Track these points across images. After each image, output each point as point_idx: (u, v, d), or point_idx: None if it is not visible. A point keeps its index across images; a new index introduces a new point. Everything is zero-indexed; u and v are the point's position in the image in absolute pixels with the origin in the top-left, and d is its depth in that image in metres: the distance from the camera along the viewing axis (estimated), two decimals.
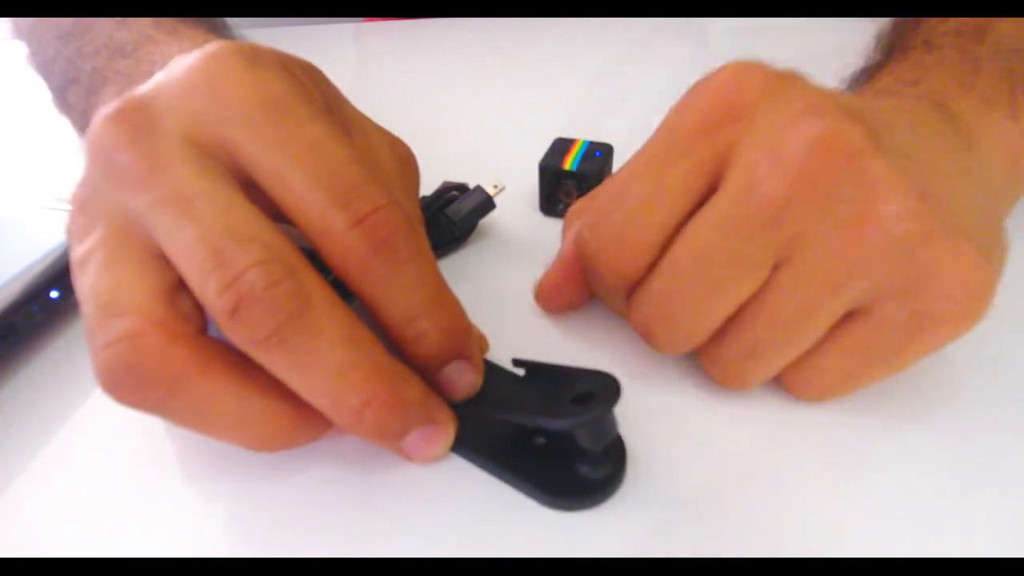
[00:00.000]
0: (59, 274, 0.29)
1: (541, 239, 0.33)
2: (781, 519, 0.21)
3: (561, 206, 0.34)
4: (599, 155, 0.33)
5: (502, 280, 0.31)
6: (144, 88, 0.22)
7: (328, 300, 0.20)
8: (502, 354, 0.25)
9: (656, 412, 0.25)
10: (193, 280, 0.20)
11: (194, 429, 0.21)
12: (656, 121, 0.24)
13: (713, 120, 0.22)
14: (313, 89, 0.23)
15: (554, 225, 0.31)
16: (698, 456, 0.23)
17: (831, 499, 0.22)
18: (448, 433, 0.23)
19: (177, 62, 0.23)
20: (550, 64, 0.50)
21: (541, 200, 0.34)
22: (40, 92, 0.39)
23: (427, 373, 0.23)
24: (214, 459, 0.24)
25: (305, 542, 0.22)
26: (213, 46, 0.22)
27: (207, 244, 0.19)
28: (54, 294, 0.29)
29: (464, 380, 0.23)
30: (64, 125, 0.38)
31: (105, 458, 0.25)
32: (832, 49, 0.32)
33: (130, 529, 0.22)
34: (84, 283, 0.21)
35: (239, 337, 0.19)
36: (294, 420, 0.21)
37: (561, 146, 0.34)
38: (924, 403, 0.25)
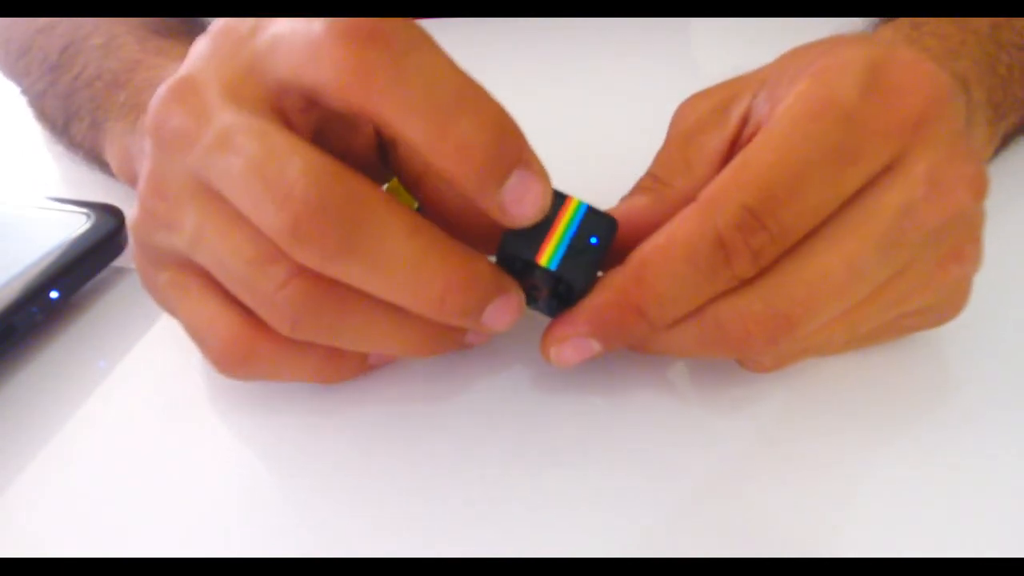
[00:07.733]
0: (59, 274, 0.29)
1: None
2: (781, 519, 0.22)
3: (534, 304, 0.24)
4: (594, 243, 0.22)
5: None
6: (183, 67, 0.22)
7: (382, 195, 0.20)
8: (506, 367, 0.25)
9: (655, 411, 0.25)
10: (254, 213, 0.20)
11: (362, 347, 0.23)
12: (654, 125, 0.24)
13: (902, 124, 0.21)
14: None
15: None
16: (698, 455, 0.23)
17: (831, 499, 0.22)
18: (519, 299, 0.22)
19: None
20: (550, 64, 0.50)
21: None
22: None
23: (485, 199, 0.20)
24: (214, 460, 0.24)
25: (308, 543, 0.22)
26: None
27: (254, 171, 0.19)
28: (54, 294, 0.29)
29: (532, 194, 0.20)
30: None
31: (105, 459, 0.25)
32: None
33: (130, 529, 0.22)
34: (213, 257, 0.21)
35: (311, 256, 0.19)
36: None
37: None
38: (924, 403, 0.25)
